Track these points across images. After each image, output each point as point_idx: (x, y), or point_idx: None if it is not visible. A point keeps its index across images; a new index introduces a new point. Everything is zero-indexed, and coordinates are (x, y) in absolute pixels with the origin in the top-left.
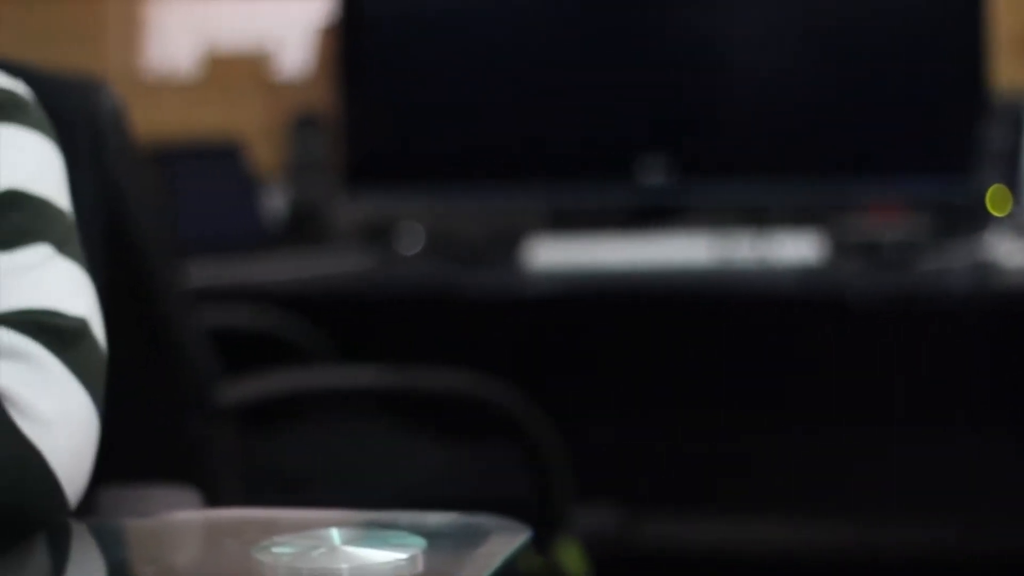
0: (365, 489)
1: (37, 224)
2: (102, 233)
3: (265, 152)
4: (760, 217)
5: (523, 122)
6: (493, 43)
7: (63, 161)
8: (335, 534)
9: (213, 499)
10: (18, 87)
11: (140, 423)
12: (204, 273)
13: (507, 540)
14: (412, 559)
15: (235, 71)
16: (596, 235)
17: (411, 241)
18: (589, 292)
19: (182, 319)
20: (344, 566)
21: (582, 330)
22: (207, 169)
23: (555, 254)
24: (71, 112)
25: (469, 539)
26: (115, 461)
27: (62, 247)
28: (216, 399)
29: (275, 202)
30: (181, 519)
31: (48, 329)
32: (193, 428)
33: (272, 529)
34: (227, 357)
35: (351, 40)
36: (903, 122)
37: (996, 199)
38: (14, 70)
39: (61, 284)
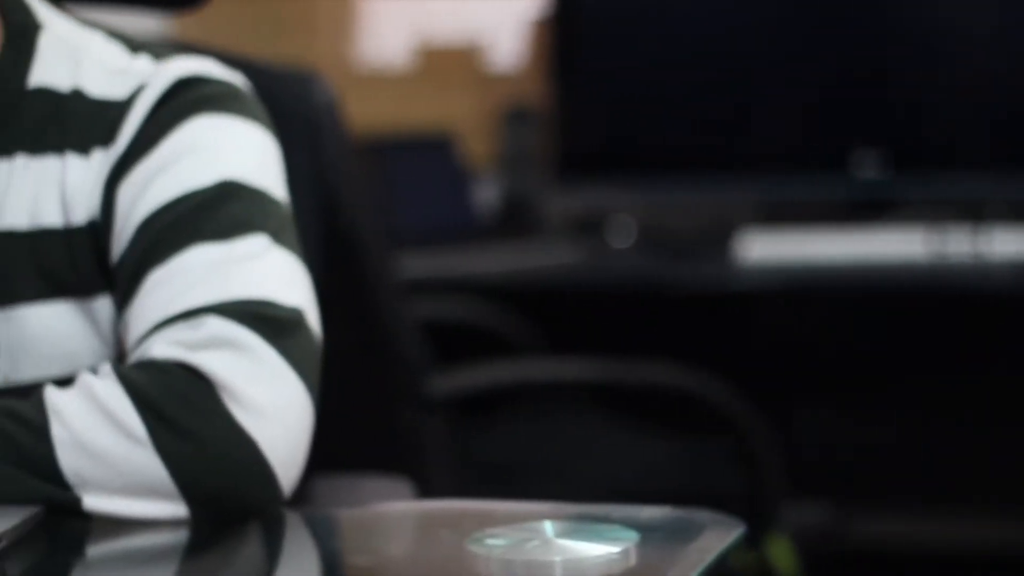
0: (576, 482)
1: (254, 215)
2: (317, 224)
3: (477, 144)
4: (976, 211)
5: (736, 115)
6: (707, 35)
7: (280, 152)
8: (548, 527)
9: (425, 490)
10: (236, 79)
11: (353, 414)
12: (416, 265)
13: (721, 535)
14: (625, 553)
15: (448, 63)
16: (809, 229)
17: (623, 234)
18: (802, 286)
19: (395, 311)
20: (557, 559)
21: (794, 324)
22: (419, 161)
23: (768, 248)
24: (287, 104)
25: (682, 533)
26: (329, 451)
27: (278, 237)
28: (428, 391)
29: (487, 194)
30: (394, 509)
31: (264, 319)
32: (405, 419)
33: (485, 521)
34: (438, 349)
35: (564, 32)
36: None
37: None
38: (232, 62)
39: (277, 274)
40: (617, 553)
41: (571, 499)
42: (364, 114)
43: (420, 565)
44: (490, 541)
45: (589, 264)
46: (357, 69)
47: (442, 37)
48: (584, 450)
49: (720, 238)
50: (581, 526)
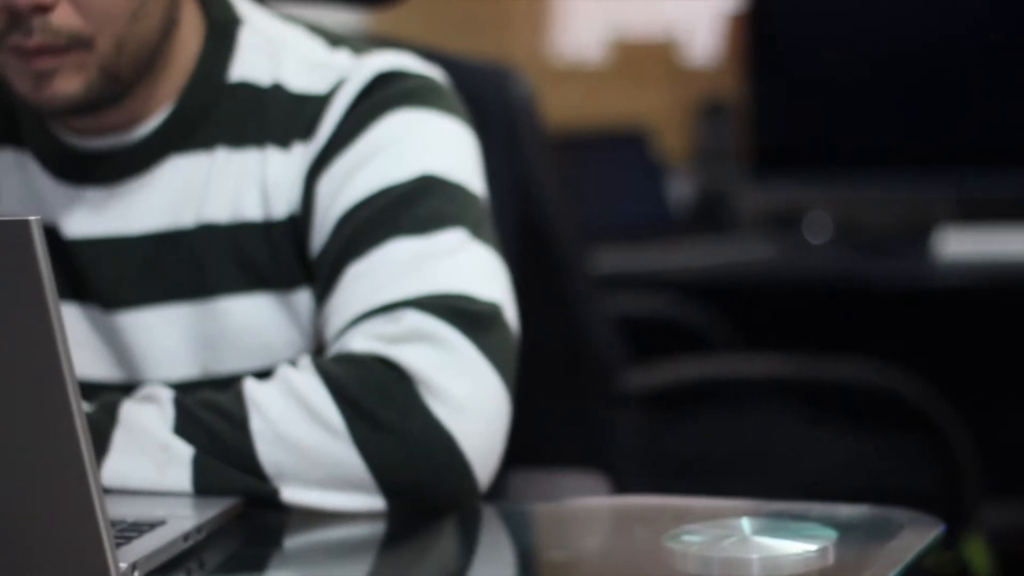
0: (770, 478)
1: (453, 209)
2: (513, 219)
3: (672, 139)
4: None
5: (934, 110)
6: (903, 30)
7: (478, 146)
8: (745, 523)
9: (620, 485)
10: (435, 73)
11: (548, 409)
12: (610, 260)
13: (919, 535)
14: (822, 551)
15: (643, 58)
16: (1008, 225)
17: (818, 230)
18: (1001, 283)
19: (589, 306)
20: (754, 556)
21: (994, 322)
22: (614, 156)
23: (966, 244)
24: (485, 98)
25: (880, 532)
26: (523, 445)
27: (477, 232)
28: (622, 386)
29: (681, 189)
30: (590, 504)
31: (461, 313)
32: (600, 414)
33: (682, 517)
34: (632, 344)
35: (760, 27)
36: None
37: None
38: (430, 56)
39: (475, 269)
40: (814, 551)
41: (764, 496)
42: (558, 108)
43: (616, 560)
44: (687, 537)
45: (784, 260)
46: (552, 63)
47: (637, 31)
48: (778, 447)
49: (918, 234)
50: (778, 523)
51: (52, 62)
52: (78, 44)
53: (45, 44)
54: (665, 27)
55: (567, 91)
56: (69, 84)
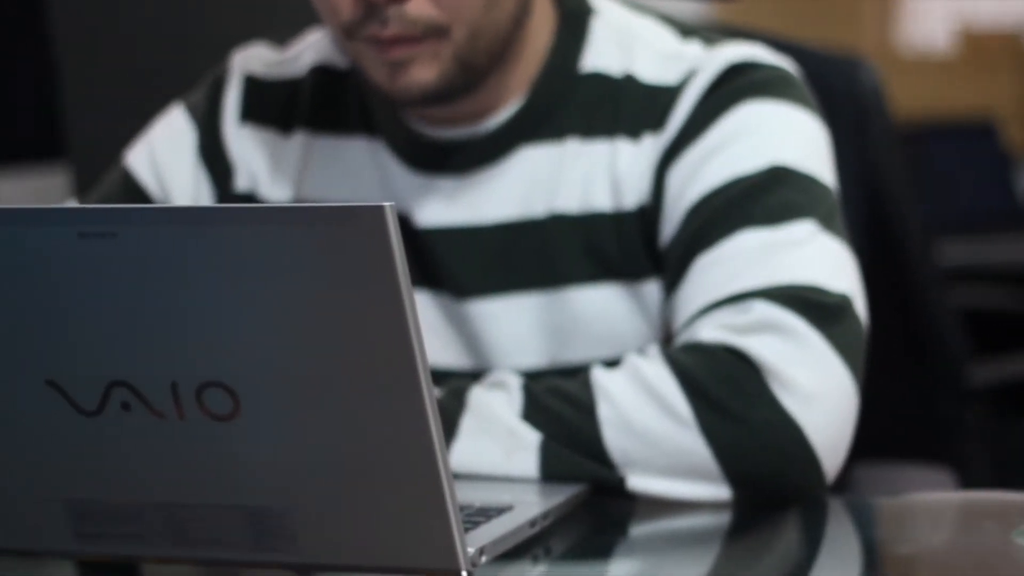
0: None
1: (803, 200)
2: (861, 210)
3: (1021, 130)
4: None
5: None
6: None
7: (828, 138)
8: None
9: (966, 480)
10: (786, 64)
11: (892, 402)
12: (957, 252)
13: None
14: None
15: (992, 48)
16: None
17: None
18: None
19: (936, 298)
20: None
21: None
22: (961, 147)
23: None
24: (834, 89)
25: None
26: (868, 438)
27: (827, 223)
28: (969, 380)
29: None
30: (936, 499)
31: (810, 304)
32: (946, 409)
33: None
34: (979, 337)
35: None
36: None
37: None
38: (779, 46)
39: (824, 260)
40: None
41: None
42: (907, 99)
43: (962, 556)
44: None
45: None
46: (900, 53)
47: (986, 21)
48: None
49: None
50: None
51: (408, 51)
52: (433, 33)
53: (401, 34)
54: (1014, 17)
55: (915, 81)
56: (424, 73)
